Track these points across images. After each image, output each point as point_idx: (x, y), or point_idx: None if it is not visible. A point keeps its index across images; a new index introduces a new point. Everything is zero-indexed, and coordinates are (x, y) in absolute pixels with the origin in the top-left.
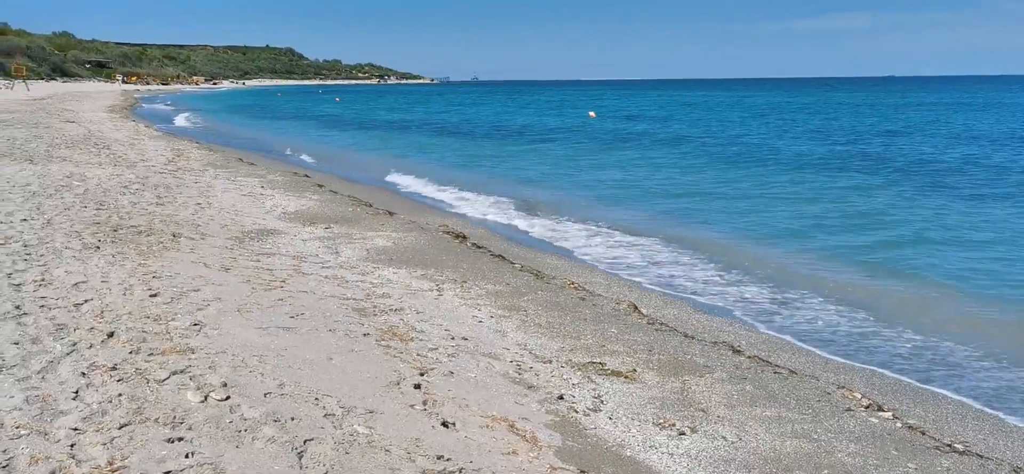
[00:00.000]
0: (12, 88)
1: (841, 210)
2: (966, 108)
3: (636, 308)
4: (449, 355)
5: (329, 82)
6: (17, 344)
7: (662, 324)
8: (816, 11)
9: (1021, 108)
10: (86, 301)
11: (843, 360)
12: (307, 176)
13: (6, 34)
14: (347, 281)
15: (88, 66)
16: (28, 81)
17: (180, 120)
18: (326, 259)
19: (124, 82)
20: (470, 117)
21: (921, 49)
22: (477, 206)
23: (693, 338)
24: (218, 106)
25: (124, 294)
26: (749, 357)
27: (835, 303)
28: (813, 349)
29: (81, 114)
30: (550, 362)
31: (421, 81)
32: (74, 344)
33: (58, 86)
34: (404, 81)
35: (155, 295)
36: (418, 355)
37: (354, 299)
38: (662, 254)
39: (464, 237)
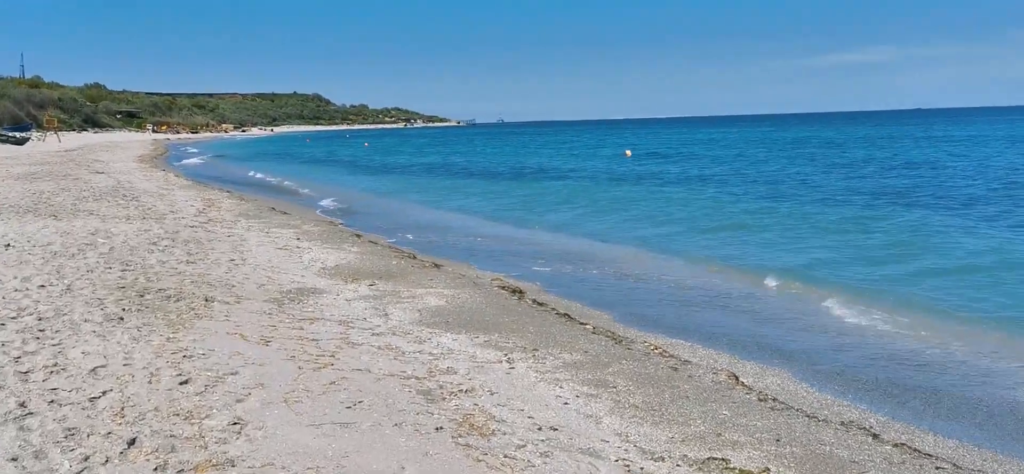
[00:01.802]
0: (44, 140)
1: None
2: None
3: (737, 379)
4: (541, 455)
5: (356, 127)
6: (16, 460)
7: (775, 401)
8: (842, 46)
9: None
10: (104, 393)
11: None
12: (344, 225)
13: (39, 87)
14: (404, 352)
15: (119, 116)
16: (60, 132)
17: (212, 168)
18: (375, 323)
19: (154, 131)
20: (516, 160)
21: (943, 81)
22: (525, 257)
23: (819, 419)
24: (248, 153)
25: (149, 381)
26: (894, 445)
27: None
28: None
29: (111, 165)
30: (663, 459)
31: (447, 123)
32: (86, 459)
33: (90, 137)
34: (430, 124)
35: (185, 382)
36: (506, 457)
37: (416, 377)
38: (736, 301)
39: (521, 293)
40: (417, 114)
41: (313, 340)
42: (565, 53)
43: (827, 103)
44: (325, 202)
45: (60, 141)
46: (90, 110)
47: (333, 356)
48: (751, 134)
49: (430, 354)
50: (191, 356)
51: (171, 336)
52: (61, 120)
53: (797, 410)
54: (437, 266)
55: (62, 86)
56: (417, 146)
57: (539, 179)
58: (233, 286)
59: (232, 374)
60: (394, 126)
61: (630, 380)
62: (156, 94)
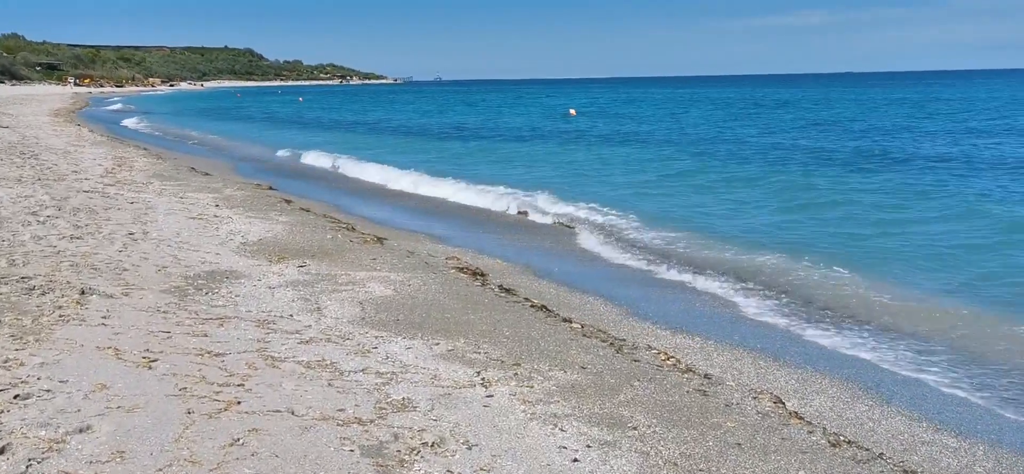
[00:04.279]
0: None
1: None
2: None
3: (783, 404)
4: None
5: (289, 83)
6: None
7: (843, 438)
8: (775, 9)
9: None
10: None
11: None
12: (272, 189)
13: None
14: (342, 372)
15: (39, 68)
16: None
17: (130, 123)
18: (305, 323)
19: (76, 85)
20: (460, 119)
21: (878, 45)
22: (476, 224)
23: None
24: (173, 108)
25: None
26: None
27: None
28: None
29: (20, 118)
30: None
31: (384, 81)
32: None
33: (5, 89)
34: (367, 81)
35: (3, 450)
36: None
37: (359, 421)
38: (739, 282)
39: (483, 276)
40: (353, 71)
41: (218, 356)
42: (505, 11)
43: (758, 65)
44: (248, 163)
45: None
46: (7, 61)
47: (242, 385)
48: (684, 94)
49: (378, 373)
50: (26, 397)
51: (11, 355)
52: None
53: (883, 457)
54: (380, 241)
55: None
56: (359, 104)
57: (491, 139)
58: (125, 270)
59: (79, 432)
60: (329, 82)
61: (652, 414)
62: (79, 46)
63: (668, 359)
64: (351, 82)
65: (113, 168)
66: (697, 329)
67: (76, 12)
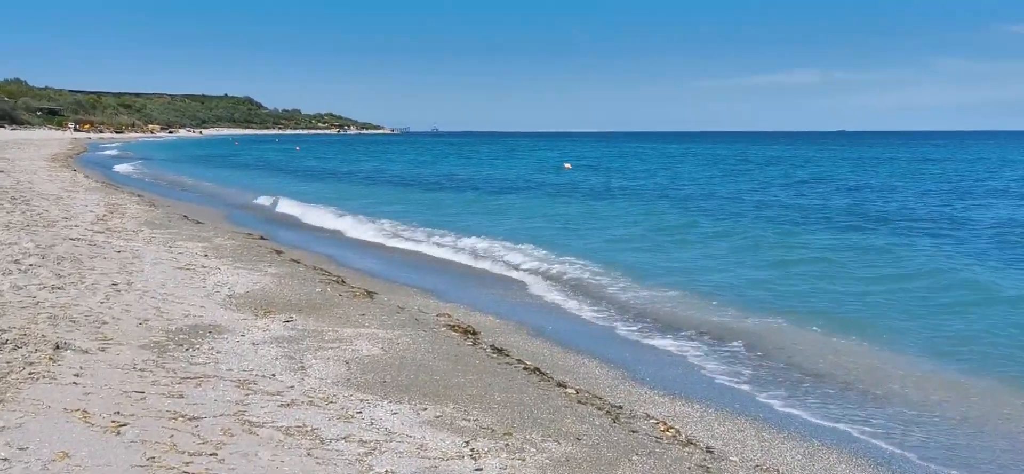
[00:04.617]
0: None
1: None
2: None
3: None
4: None
5: (288, 132)
6: None
7: None
8: (768, 68)
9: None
10: None
11: None
12: (263, 238)
13: None
14: (323, 441)
15: (40, 113)
16: None
17: (126, 168)
18: (287, 384)
19: (76, 130)
20: (453, 171)
21: (868, 105)
22: (470, 278)
23: None
24: (171, 155)
25: None
26: None
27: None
28: None
29: (17, 163)
30: None
31: (381, 131)
32: None
33: (5, 133)
34: (364, 131)
35: None
36: None
37: None
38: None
39: (475, 335)
40: (351, 121)
41: (192, 419)
42: (500, 65)
43: (752, 122)
44: (239, 210)
45: None
46: (8, 106)
47: (215, 454)
48: (675, 149)
49: (361, 442)
50: None
51: None
52: None
53: None
54: (370, 295)
55: None
56: (355, 154)
57: (483, 190)
58: (104, 323)
59: None
60: (327, 132)
61: None
62: (81, 92)
63: (667, 429)
64: (348, 132)
65: (105, 215)
66: (695, 394)
67: (79, 58)
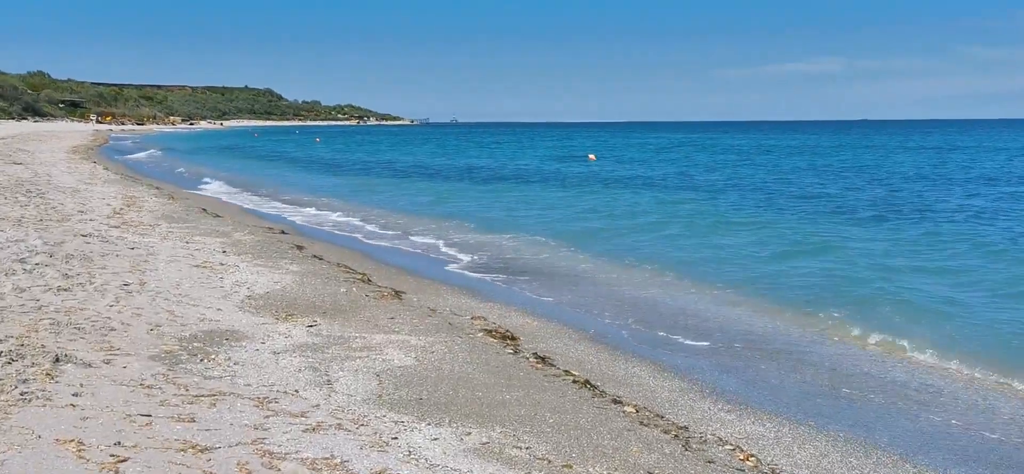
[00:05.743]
0: None
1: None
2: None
3: None
4: None
5: (308, 123)
6: None
7: None
8: (792, 57)
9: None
10: None
11: None
12: (284, 232)
13: None
14: None
15: (62, 106)
16: None
17: (145, 158)
18: (312, 401)
19: (98, 122)
20: (477, 160)
21: (892, 93)
22: (501, 270)
23: None
24: (191, 146)
25: None
26: None
27: None
28: None
29: (37, 155)
30: None
31: (401, 122)
32: None
33: (28, 126)
34: (384, 122)
35: None
36: None
37: None
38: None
39: (514, 341)
40: (370, 112)
41: (204, 452)
42: (519, 56)
43: (775, 112)
44: (255, 201)
45: None
46: (32, 99)
47: None
48: (700, 139)
49: None
50: None
51: None
52: None
53: None
54: (398, 295)
55: (2, 73)
56: (375, 145)
57: (506, 181)
58: (112, 330)
59: None
60: (347, 123)
61: None
62: (102, 84)
63: (747, 458)
64: (368, 123)
65: (121, 208)
66: (763, 405)
67: (101, 51)
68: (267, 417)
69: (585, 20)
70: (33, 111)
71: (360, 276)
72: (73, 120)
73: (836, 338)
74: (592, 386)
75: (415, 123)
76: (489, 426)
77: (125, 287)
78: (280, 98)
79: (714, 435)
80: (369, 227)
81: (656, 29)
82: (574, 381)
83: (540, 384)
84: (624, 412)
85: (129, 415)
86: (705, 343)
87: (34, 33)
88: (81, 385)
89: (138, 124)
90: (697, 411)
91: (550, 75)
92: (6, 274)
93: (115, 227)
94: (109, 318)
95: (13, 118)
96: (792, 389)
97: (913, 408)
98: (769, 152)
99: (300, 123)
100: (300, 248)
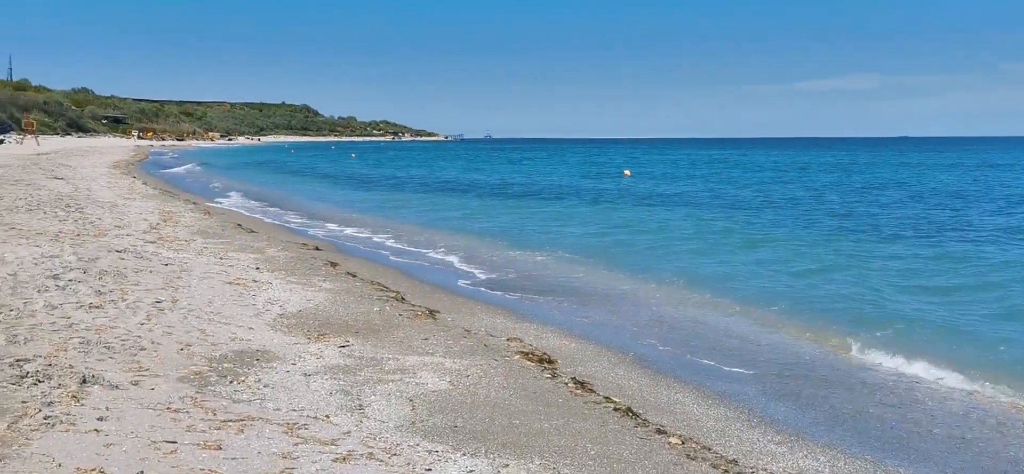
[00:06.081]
0: (21, 143)
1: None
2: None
3: None
4: None
5: (343, 139)
6: None
7: None
8: (826, 73)
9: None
10: None
11: None
12: (318, 249)
13: (24, 90)
14: None
15: (105, 122)
16: (38, 136)
17: (181, 173)
18: (342, 428)
19: (139, 137)
20: (512, 177)
21: (930, 110)
22: (534, 289)
23: None
24: (229, 161)
25: None
26: None
27: None
28: None
29: (78, 169)
30: None
31: (435, 137)
32: None
33: (72, 141)
34: (418, 138)
35: None
36: None
37: None
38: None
39: (552, 363)
40: (405, 128)
41: None
42: (551, 73)
43: (810, 128)
44: (294, 218)
45: (38, 144)
46: (75, 114)
47: None
48: (736, 156)
49: None
50: None
51: None
52: (45, 124)
53: None
54: (432, 314)
55: (49, 90)
56: (410, 160)
57: (539, 197)
58: (142, 349)
59: None
60: (382, 139)
61: None
62: (144, 100)
63: None
64: (403, 139)
65: (158, 223)
66: (816, 436)
67: (143, 68)
68: (296, 444)
69: (618, 35)
70: (77, 127)
71: (394, 294)
72: (115, 136)
73: (886, 365)
74: (634, 414)
75: (449, 139)
76: (528, 457)
77: (157, 304)
78: (316, 114)
79: (765, 470)
80: (401, 244)
81: (689, 45)
82: (615, 408)
83: (580, 412)
84: (669, 443)
85: (154, 442)
86: (749, 369)
87: (79, 50)
88: (107, 409)
89: (178, 140)
90: (746, 442)
91: (583, 91)
92: (39, 291)
93: (151, 242)
94: (140, 337)
95: (58, 133)
96: (846, 419)
97: (980, 444)
98: (805, 169)
99: (336, 139)
100: (334, 265)
